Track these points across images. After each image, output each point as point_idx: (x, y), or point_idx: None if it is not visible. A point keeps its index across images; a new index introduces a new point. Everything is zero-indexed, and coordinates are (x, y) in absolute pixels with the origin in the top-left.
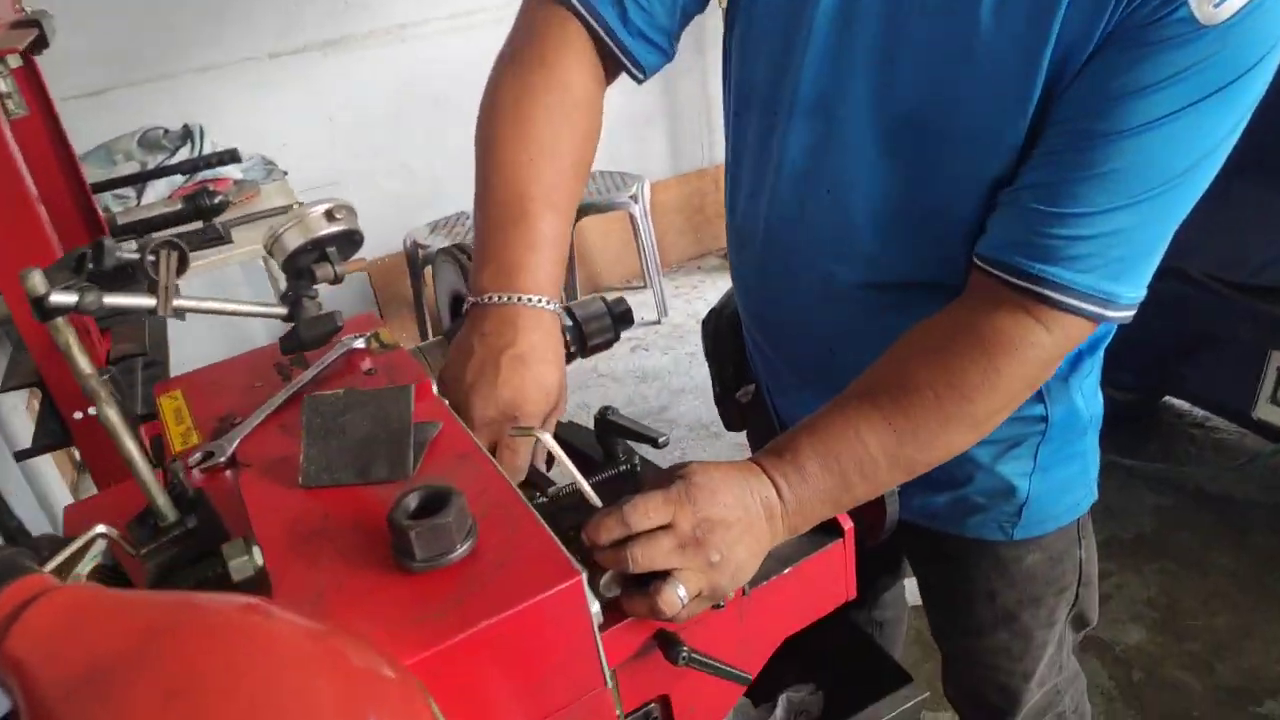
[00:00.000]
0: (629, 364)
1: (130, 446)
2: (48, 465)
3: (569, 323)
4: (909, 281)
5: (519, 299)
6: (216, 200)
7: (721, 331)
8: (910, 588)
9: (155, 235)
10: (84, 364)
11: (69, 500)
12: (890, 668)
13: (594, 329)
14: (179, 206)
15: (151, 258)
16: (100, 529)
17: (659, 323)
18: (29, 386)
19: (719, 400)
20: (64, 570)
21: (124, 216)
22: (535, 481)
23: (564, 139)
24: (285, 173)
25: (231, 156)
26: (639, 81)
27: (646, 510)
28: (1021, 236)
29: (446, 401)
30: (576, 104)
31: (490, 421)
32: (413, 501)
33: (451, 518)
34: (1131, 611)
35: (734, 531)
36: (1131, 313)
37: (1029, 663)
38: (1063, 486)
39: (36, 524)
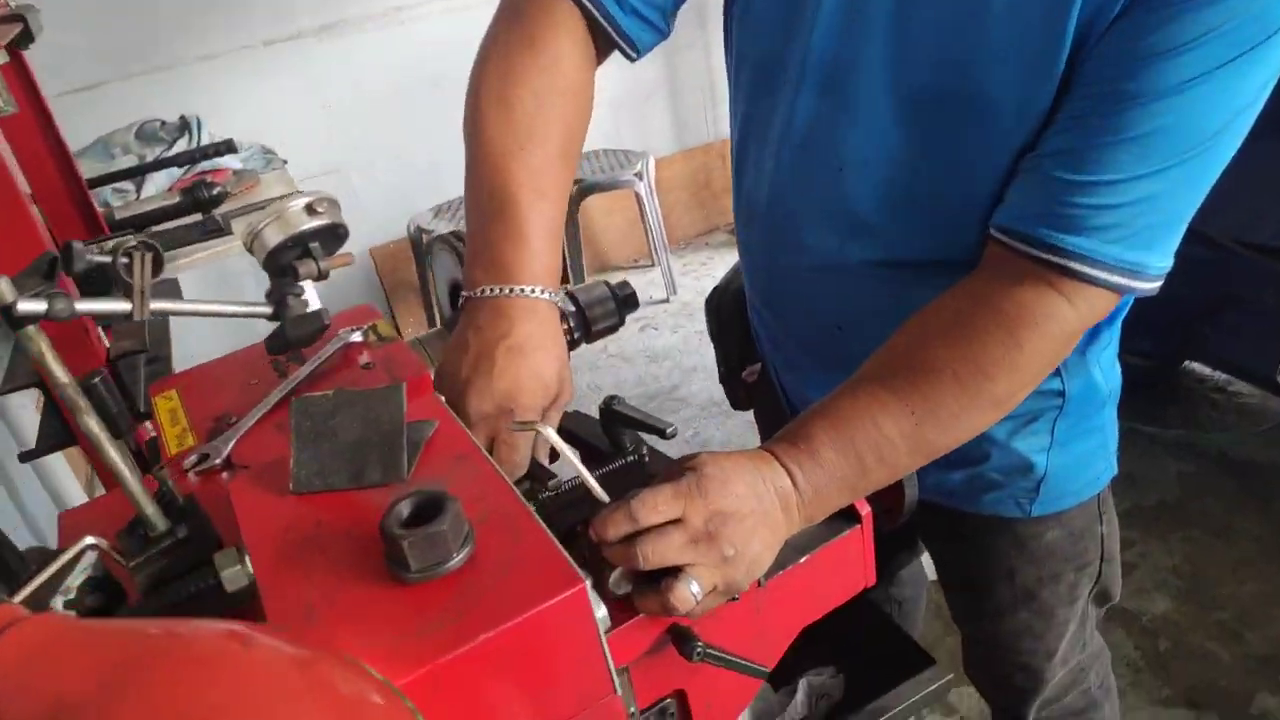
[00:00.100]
0: (639, 343)
1: (114, 456)
2: (59, 463)
3: (572, 308)
4: (924, 259)
5: (513, 290)
6: (215, 192)
7: (726, 310)
8: (929, 563)
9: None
10: (60, 373)
11: (83, 498)
12: (911, 649)
13: (598, 314)
14: (178, 199)
15: (124, 260)
16: (89, 540)
17: (668, 301)
18: (29, 388)
19: (724, 380)
20: (53, 584)
21: (122, 211)
22: (538, 476)
23: (553, 124)
24: (285, 161)
25: (228, 147)
26: (632, 60)
27: (655, 504)
28: (1044, 206)
29: (443, 399)
30: (566, 87)
31: (486, 416)
32: (406, 509)
33: (447, 525)
34: (1156, 580)
35: (748, 523)
36: (1159, 284)
37: (1051, 641)
38: (1081, 461)
39: (49, 523)
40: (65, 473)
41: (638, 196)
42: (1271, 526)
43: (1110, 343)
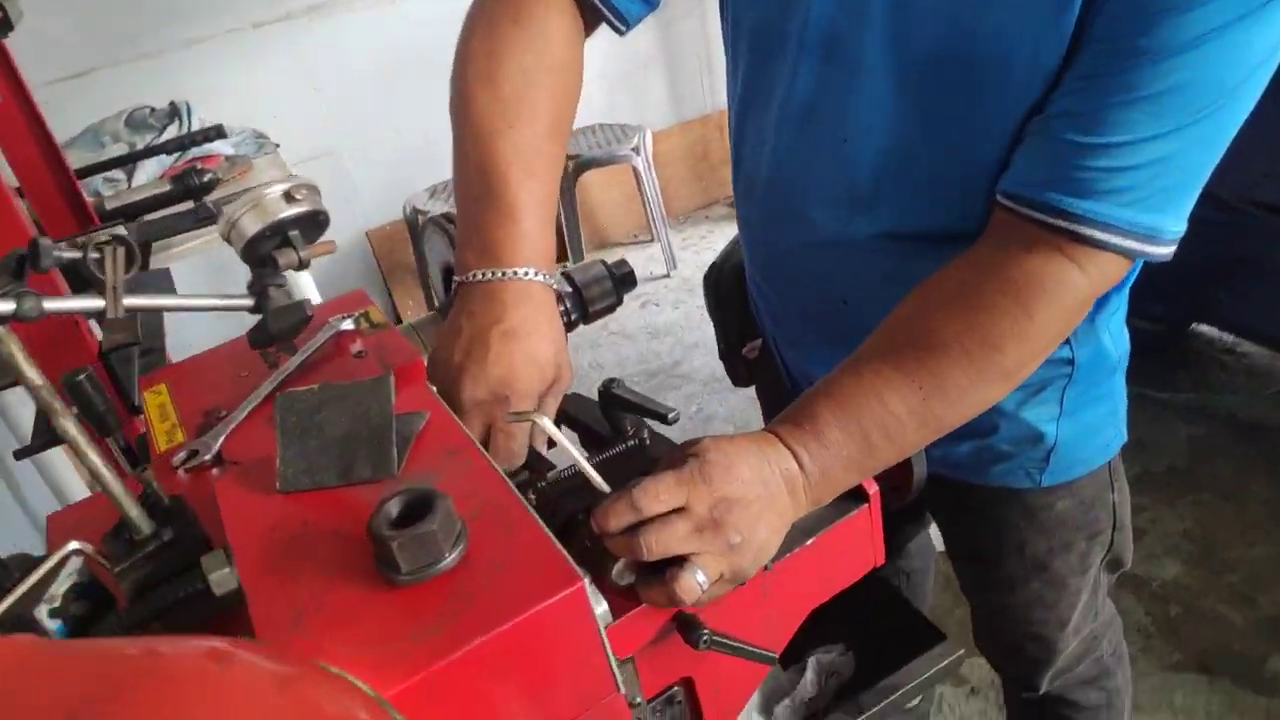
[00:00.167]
0: (640, 320)
1: (94, 459)
2: (60, 458)
3: (568, 289)
4: (932, 231)
5: (505, 274)
6: (206, 179)
7: (725, 285)
8: (937, 534)
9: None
10: (32, 375)
11: (86, 493)
12: (921, 624)
13: (595, 294)
14: (168, 188)
15: (95, 255)
16: (74, 545)
17: (668, 276)
18: (10, 387)
19: (725, 357)
20: (38, 592)
21: (113, 201)
22: (536, 465)
23: (542, 101)
24: (277, 145)
25: (217, 133)
26: (621, 33)
27: (658, 493)
28: (1055, 170)
29: (435, 388)
30: (554, 63)
31: (481, 403)
32: (394, 508)
33: (437, 525)
34: (1167, 545)
35: (754, 509)
36: (1173, 248)
37: (1064, 611)
38: (1091, 429)
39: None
40: (66, 468)
41: (635, 171)
42: None
43: (1119, 308)
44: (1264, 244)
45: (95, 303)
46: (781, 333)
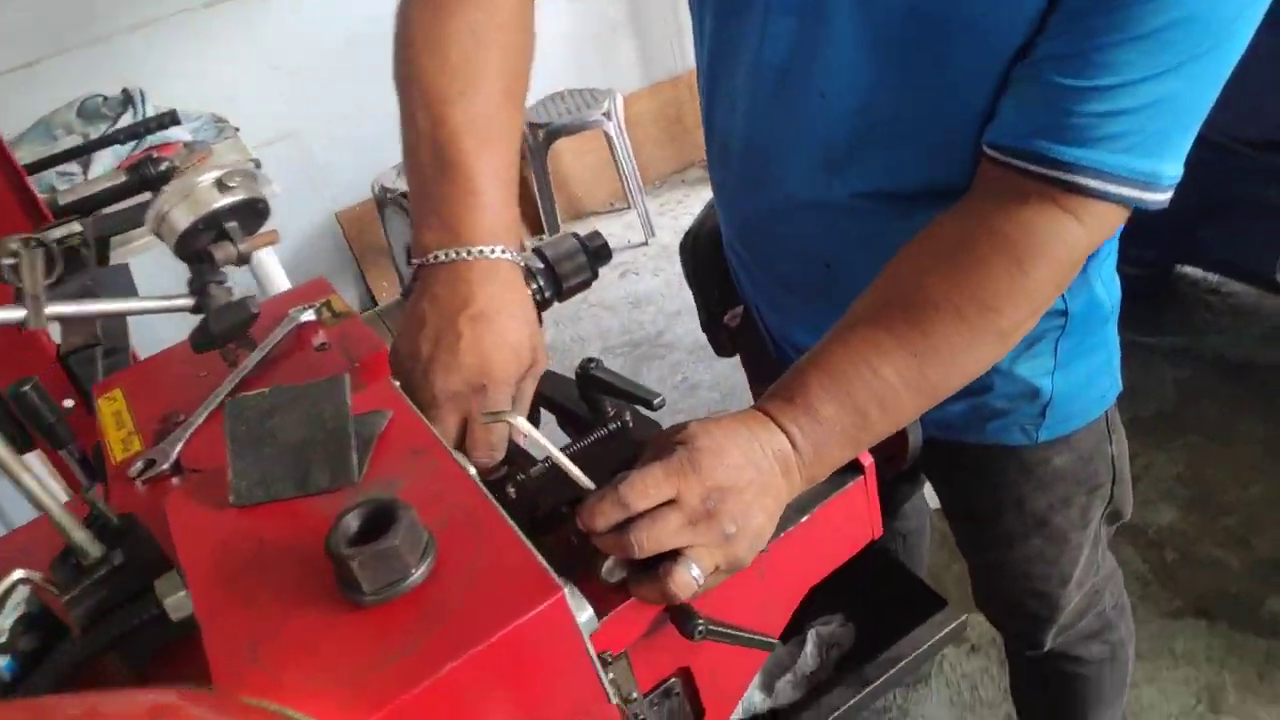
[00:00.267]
0: (620, 290)
1: (29, 483)
2: (36, 464)
3: (540, 265)
4: (917, 189)
5: (468, 252)
6: (163, 167)
7: (702, 252)
8: (931, 493)
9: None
10: None
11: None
12: (921, 590)
13: (568, 269)
14: (124, 179)
15: (9, 261)
16: (19, 574)
17: (646, 244)
18: None
19: (706, 326)
20: None
21: (67, 195)
22: (516, 458)
23: (494, 62)
24: (237, 129)
25: (170, 119)
26: None
27: (646, 488)
28: (1044, 118)
29: (398, 383)
30: (505, 20)
31: (455, 395)
32: (353, 522)
33: (399, 539)
34: (1160, 491)
35: (747, 495)
36: (1170, 195)
37: (1065, 567)
38: (1086, 380)
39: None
40: (43, 471)
41: (607, 137)
42: (1274, 427)
43: (1110, 255)
44: (1250, 182)
45: (15, 313)
46: (763, 299)
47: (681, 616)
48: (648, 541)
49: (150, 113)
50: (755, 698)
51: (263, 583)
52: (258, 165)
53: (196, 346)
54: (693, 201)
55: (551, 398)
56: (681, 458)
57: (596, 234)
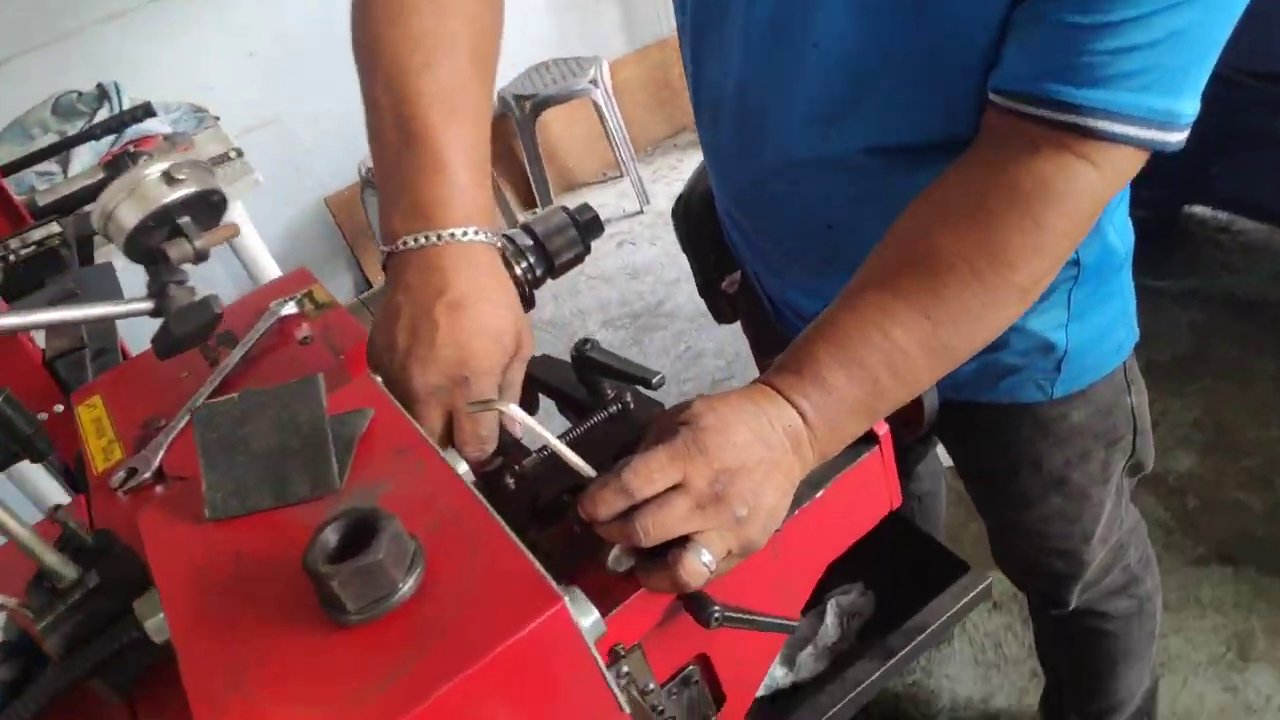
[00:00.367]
0: (617, 261)
1: None
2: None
3: (529, 242)
4: (918, 142)
5: (440, 236)
6: (141, 161)
7: (695, 216)
8: (943, 452)
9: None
10: None
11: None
12: (941, 554)
13: (559, 244)
14: (102, 176)
15: None
16: None
17: (641, 212)
18: None
19: (704, 292)
20: None
21: (46, 196)
22: (510, 450)
23: (460, 29)
24: (217, 118)
25: (145, 111)
26: None
27: (650, 473)
28: (1053, 59)
29: (379, 378)
30: None
31: (437, 389)
32: (332, 537)
33: (382, 553)
34: (1178, 437)
35: (757, 474)
36: (1186, 134)
37: (1088, 523)
38: (1102, 331)
39: None
40: (41, 476)
41: (595, 105)
42: None
43: (1122, 200)
44: (1260, 115)
45: None
46: (760, 263)
47: (696, 604)
48: (654, 529)
49: (127, 106)
50: (777, 673)
51: (242, 603)
52: (240, 154)
53: (160, 352)
54: (686, 166)
55: (549, 383)
56: (686, 439)
57: (586, 206)
